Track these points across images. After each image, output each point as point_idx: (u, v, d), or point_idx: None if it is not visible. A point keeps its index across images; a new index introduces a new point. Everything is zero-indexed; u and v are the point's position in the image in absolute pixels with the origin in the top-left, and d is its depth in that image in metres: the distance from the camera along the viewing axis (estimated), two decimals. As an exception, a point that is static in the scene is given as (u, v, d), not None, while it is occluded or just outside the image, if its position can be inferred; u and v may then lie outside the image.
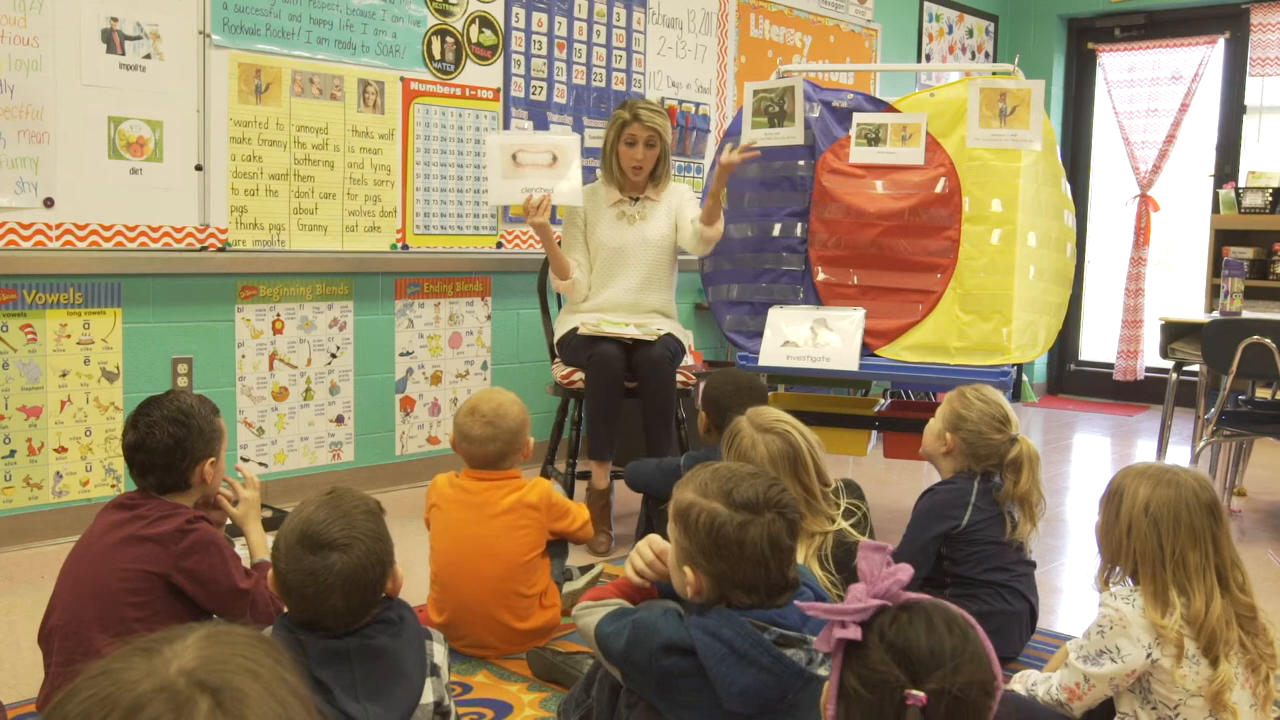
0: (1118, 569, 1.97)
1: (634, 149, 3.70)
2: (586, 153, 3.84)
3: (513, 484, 2.62)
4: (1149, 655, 1.83)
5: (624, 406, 3.56)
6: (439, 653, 1.84)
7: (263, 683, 0.74)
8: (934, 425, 2.71)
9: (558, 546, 2.72)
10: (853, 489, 2.48)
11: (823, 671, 1.60)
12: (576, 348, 3.59)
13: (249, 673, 0.75)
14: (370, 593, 1.70)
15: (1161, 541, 1.85)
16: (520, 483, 2.63)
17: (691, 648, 1.61)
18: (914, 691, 1.16)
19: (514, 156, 3.69)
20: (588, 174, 3.99)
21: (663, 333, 3.59)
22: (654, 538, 1.91)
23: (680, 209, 3.82)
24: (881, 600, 1.22)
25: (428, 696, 1.77)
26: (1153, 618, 1.83)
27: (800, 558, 2.28)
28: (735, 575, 1.62)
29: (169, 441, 2.09)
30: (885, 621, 1.21)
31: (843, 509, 2.39)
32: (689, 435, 3.75)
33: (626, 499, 3.82)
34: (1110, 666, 1.86)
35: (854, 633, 1.20)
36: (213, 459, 2.16)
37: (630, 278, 3.79)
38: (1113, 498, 1.96)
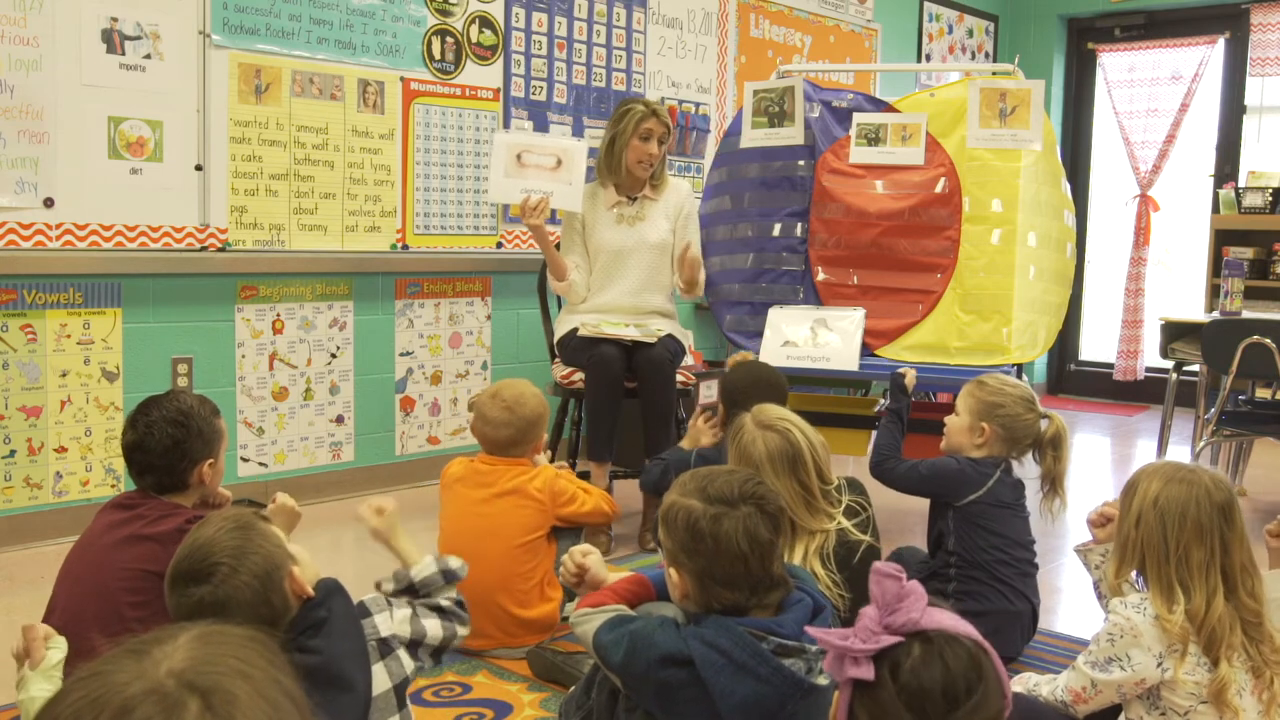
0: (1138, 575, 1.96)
1: (648, 144, 3.68)
2: (588, 152, 3.83)
3: (519, 467, 2.70)
4: (1160, 665, 1.81)
5: (624, 406, 3.56)
6: (383, 623, 1.75)
7: (254, 684, 0.74)
8: (959, 421, 2.68)
9: (566, 535, 2.74)
10: (855, 486, 2.47)
11: (822, 680, 1.59)
12: (576, 349, 3.59)
13: (240, 674, 0.74)
14: (261, 610, 1.57)
15: (1166, 535, 1.84)
16: (525, 468, 2.70)
17: (689, 659, 1.59)
18: None
19: (518, 156, 3.69)
20: (589, 173, 3.98)
21: (663, 333, 3.59)
22: (582, 547, 2.03)
23: (679, 220, 3.81)
24: (895, 636, 1.18)
25: (383, 684, 1.70)
26: (1159, 610, 1.82)
27: (800, 556, 2.28)
28: (714, 570, 1.62)
29: (168, 442, 2.09)
30: (899, 657, 1.17)
31: (844, 506, 2.39)
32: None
33: (626, 499, 3.82)
34: (1119, 674, 1.84)
35: (867, 672, 1.17)
36: (211, 460, 2.16)
37: (630, 280, 3.78)
38: (1128, 492, 1.95)
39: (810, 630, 1.37)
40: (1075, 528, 3.97)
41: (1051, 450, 2.63)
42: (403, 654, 1.76)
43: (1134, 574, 1.96)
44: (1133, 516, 1.90)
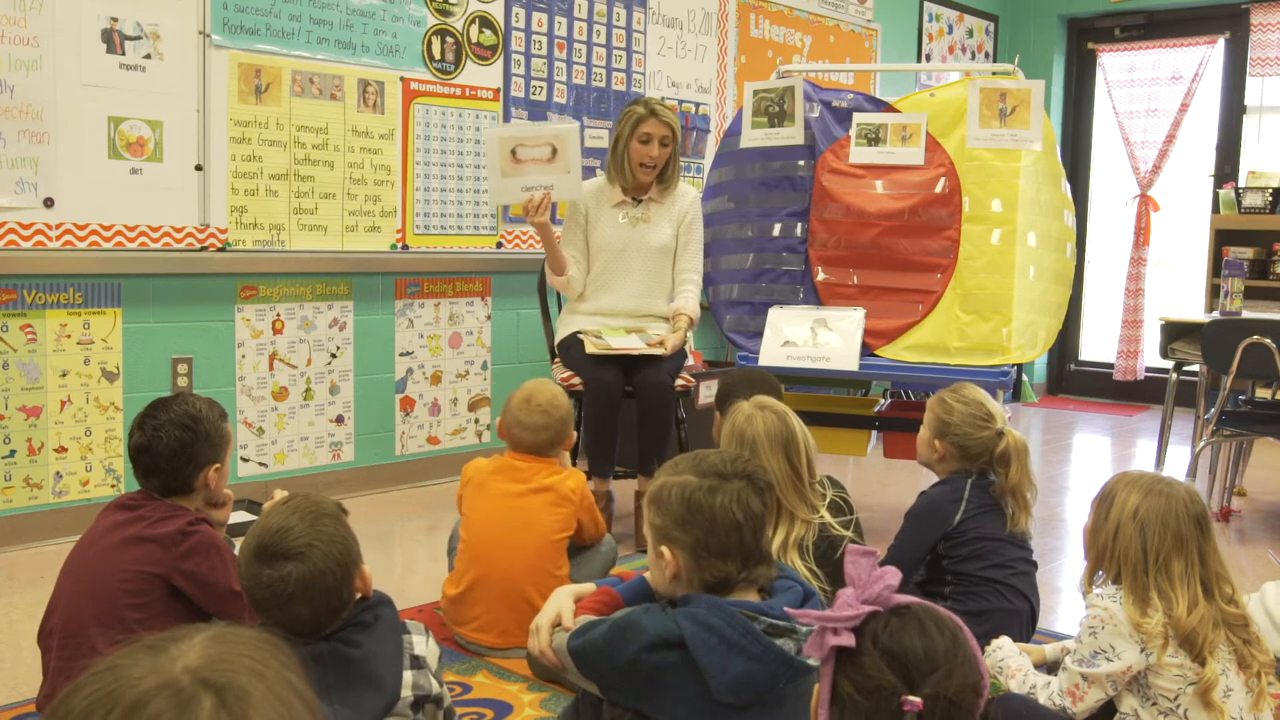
0: (1101, 573, 1.98)
1: (648, 146, 3.65)
2: (588, 153, 3.83)
3: (552, 466, 2.73)
4: (1144, 650, 1.85)
5: (624, 408, 3.55)
6: (419, 644, 1.83)
7: (267, 683, 0.74)
8: (923, 434, 2.71)
9: (581, 560, 2.75)
10: (837, 484, 2.49)
11: (813, 662, 1.61)
12: (577, 360, 3.58)
13: (254, 673, 0.75)
14: (334, 598, 1.68)
15: (1146, 546, 1.88)
16: (557, 467, 2.74)
17: (679, 640, 1.60)
18: (910, 697, 1.17)
19: (513, 152, 3.67)
20: (588, 172, 3.98)
21: (665, 350, 3.57)
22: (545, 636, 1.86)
23: (682, 226, 3.80)
24: (873, 605, 1.23)
25: (405, 690, 1.75)
26: (1132, 616, 1.85)
27: (778, 543, 2.29)
28: (709, 541, 1.65)
29: (175, 445, 2.08)
30: (878, 627, 1.22)
31: (829, 500, 2.40)
32: (688, 436, 3.75)
33: (625, 500, 3.82)
34: (1107, 666, 1.87)
35: (847, 639, 1.21)
36: (218, 465, 2.16)
37: (631, 284, 3.77)
38: (1104, 500, 1.99)
39: (791, 611, 1.42)
40: (1074, 528, 3.98)
41: (1001, 468, 2.60)
42: (430, 676, 1.82)
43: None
44: (1110, 527, 1.94)
